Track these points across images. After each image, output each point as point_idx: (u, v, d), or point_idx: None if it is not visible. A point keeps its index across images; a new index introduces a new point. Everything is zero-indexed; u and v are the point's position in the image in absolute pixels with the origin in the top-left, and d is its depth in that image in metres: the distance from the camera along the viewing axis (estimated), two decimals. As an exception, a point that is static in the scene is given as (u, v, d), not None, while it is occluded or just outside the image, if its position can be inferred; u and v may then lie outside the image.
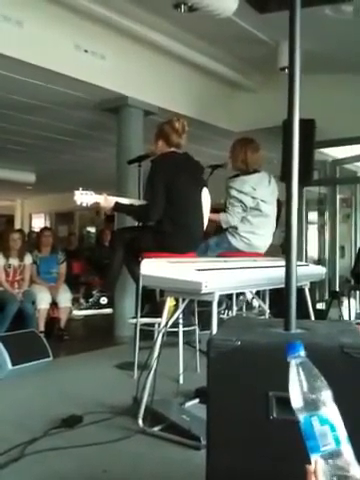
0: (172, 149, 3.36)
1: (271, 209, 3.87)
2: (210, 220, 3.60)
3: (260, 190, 3.75)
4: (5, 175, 9.84)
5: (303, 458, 0.91)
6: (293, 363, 0.98)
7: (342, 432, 0.90)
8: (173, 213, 3.22)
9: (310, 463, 0.89)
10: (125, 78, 5.36)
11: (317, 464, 0.88)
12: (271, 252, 3.95)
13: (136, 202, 3.52)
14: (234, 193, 3.73)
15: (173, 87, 5.89)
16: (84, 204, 3.21)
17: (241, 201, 3.71)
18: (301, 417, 0.93)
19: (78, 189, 3.20)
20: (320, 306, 6.50)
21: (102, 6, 4.50)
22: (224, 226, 3.78)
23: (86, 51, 4.91)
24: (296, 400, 0.94)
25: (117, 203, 3.30)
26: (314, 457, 0.89)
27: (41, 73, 4.71)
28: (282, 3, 1.80)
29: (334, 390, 0.95)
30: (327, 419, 0.91)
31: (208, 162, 4.00)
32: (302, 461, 0.90)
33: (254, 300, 4.19)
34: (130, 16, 4.72)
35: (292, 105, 1.66)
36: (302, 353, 0.99)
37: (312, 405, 0.92)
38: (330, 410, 0.92)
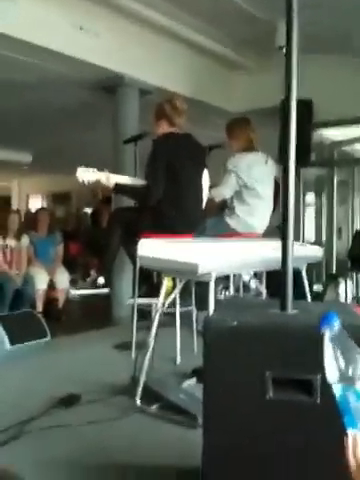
0: (174, 129, 3.33)
1: (267, 190, 3.86)
2: (208, 200, 3.59)
3: (256, 169, 3.74)
4: (1, 155, 9.78)
5: (298, 438, 0.92)
6: (327, 334, 0.95)
7: None
8: (173, 194, 3.19)
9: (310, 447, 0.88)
10: (121, 56, 5.29)
11: (357, 440, 0.87)
12: (269, 233, 3.95)
13: (136, 181, 3.49)
14: (229, 167, 3.73)
15: (169, 66, 5.82)
16: (86, 181, 3.19)
17: (235, 174, 3.71)
18: (337, 390, 0.90)
19: (80, 166, 3.18)
20: (317, 288, 6.52)
21: (98, -17, 4.43)
22: (217, 199, 3.78)
23: (81, 29, 4.84)
24: (331, 373, 0.91)
25: (117, 184, 3.28)
26: (351, 432, 0.88)
27: (36, 51, 4.65)
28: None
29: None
30: None
31: (205, 142, 3.97)
32: (297, 441, 0.91)
33: (251, 281, 4.20)
34: (126, -7, 4.65)
35: (290, 85, 1.65)
36: (337, 324, 0.96)
37: (347, 378, 0.89)
38: None
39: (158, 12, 5.00)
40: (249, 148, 3.80)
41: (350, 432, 0.88)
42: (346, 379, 0.90)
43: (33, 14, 4.41)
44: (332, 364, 0.91)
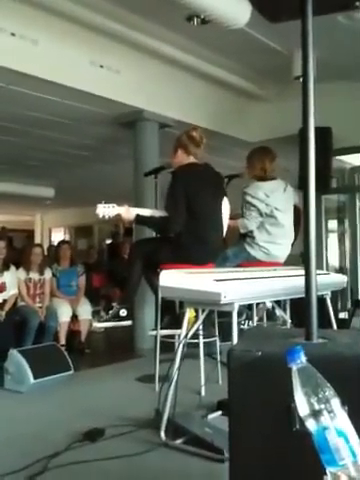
0: (191, 159, 3.36)
1: (287, 218, 3.84)
2: (228, 227, 3.60)
3: (274, 197, 3.75)
4: (25, 191, 9.97)
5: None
6: (295, 370, 0.93)
7: (355, 442, 0.86)
8: (193, 224, 3.20)
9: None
10: (140, 92, 5.41)
11: (341, 478, 0.84)
12: (291, 262, 3.91)
13: (157, 213, 3.52)
14: (248, 199, 3.75)
15: (188, 99, 5.91)
16: (106, 217, 3.22)
17: (255, 206, 3.73)
18: (312, 428, 0.88)
19: (100, 202, 3.22)
20: (343, 315, 6.41)
21: (116, 22, 4.55)
22: (242, 231, 3.79)
23: (101, 66, 4.96)
24: (302, 408, 0.89)
25: (138, 215, 3.31)
26: (331, 470, 0.85)
27: (57, 89, 4.78)
28: (294, 12, 1.79)
29: (358, 401, 0.92)
30: (341, 431, 0.86)
31: (225, 172, 4.00)
32: (325, 473, 0.88)
33: (276, 310, 4.15)
34: (144, 30, 4.77)
35: (307, 114, 1.66)
36: (303, 359, 0.95)
37: (321, 415, 0.87)
38: (341, 420, 0.87)
39: (176, 47, 5.11)
40: (264, 177, 3.81)
41: (330, 471, 0.85)
42: (319, 415, 0.87)
43: (53, 53, 4.54)
44: (302, 399, 0.90)
